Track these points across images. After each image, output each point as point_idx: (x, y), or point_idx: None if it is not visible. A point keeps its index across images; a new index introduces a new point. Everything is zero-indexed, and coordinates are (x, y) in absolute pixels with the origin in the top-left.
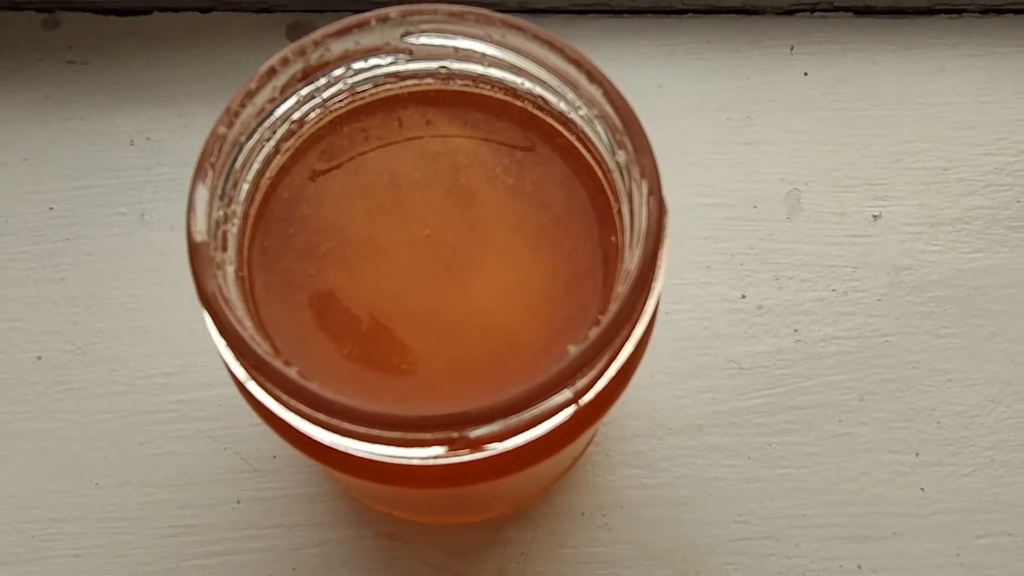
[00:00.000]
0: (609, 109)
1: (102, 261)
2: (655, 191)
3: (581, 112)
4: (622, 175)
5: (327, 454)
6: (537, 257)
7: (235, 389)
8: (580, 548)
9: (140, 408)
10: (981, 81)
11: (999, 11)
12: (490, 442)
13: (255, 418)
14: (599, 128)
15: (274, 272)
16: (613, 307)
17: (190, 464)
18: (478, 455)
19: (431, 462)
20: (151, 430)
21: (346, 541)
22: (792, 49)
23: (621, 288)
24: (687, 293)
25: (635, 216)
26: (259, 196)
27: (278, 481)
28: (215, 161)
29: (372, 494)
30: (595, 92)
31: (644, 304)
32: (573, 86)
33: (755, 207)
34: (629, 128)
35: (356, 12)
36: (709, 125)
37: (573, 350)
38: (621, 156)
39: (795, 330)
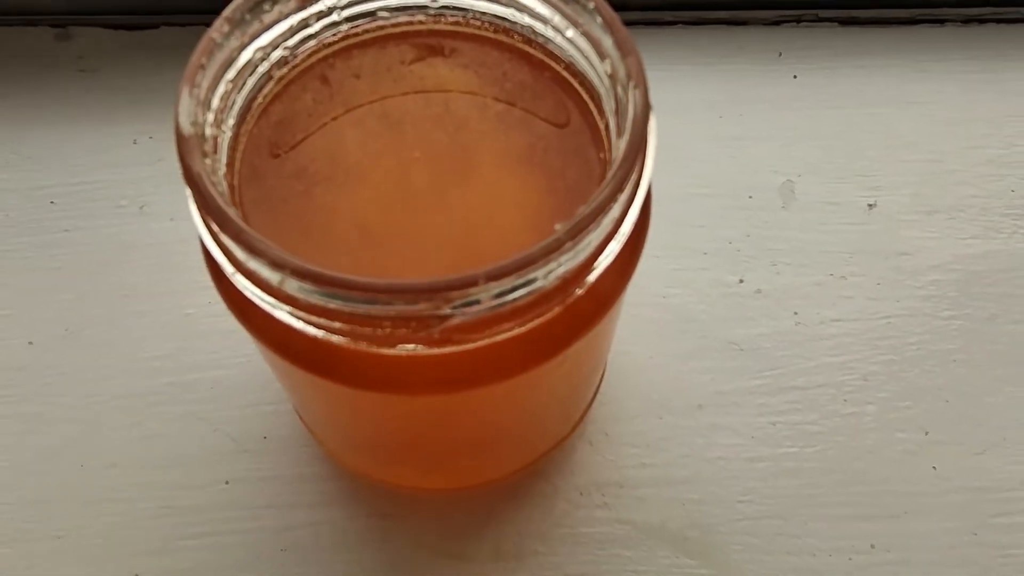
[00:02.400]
0: (596, 21)
1: (100, 250)
2: (640, 83)
3: (568, 33)
4: (609, 84)
5: (306, 346)
6: (527, 175)
7: (225, 371)
8: (578, 528)
9: (131, 391)
10: (965, 84)
11: (981, 21)
12: (471, 331)
13: (246, 399)
14: (584, 45)
15: (263, 188)
16: (601, 190)
17: (180, 445)
18: (455, 348)
19: (409, 352)
20: (141, 412)
21: (337, 521)
22: (780, 55)
23: (610, 172)
24: (684, 278)
25: (621, 112)
26: (251, 118)
27: (268, 462)
28: (205, 63)
29: (354, 439)
30: (580, 12)
31: (635, 189)
32: (559, 9)
33: (750, 197)
34: (612, 28)
35: None
36: (703, 122)
37: (559, 227)
38: (607, 64)
39: (795, 313)
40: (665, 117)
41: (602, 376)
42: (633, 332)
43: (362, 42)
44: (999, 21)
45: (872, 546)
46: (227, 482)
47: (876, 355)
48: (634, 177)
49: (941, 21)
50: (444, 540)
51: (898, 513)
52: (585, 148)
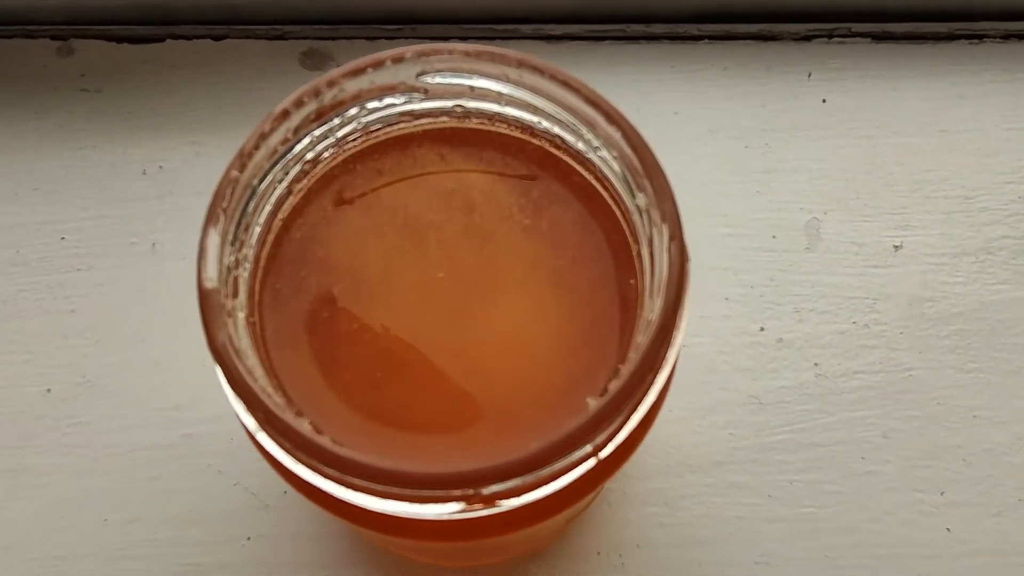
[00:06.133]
0: (628, 151)
1: (113, 292)
2: (677, 237)
3: (600, 153)
4: (642, 218)
5: (340, 507)
6: (554, 300)
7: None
8: None
9: (149, 442)
10: (1004, 108)
11: (1021, 37)
12: (506, 498)
13: None
14: (618, 169)
15: (285, 316)
16: (634, 358)
17: (199, 500)
18: (493, 510)
19: (446, 517)
20: (161, 465)
21: None
22: (810, 75)
23: (642, 338)
24: (707, 326)
25: (655, 261)
26: (271, 238)
27: (289, 518)
28: (227, 206)
29: (386, 540)
30: (614, 133)
31: (665, 355)
32: (591, 126)
33: (774, 237)
34: (649, 171)
35: (369, 39)
36: (727, 153)
37: (593, 404)
38: (641, 199)
39: (815, 364)
40: (691, 145)
41: None
42: None
43: (382, 143)
44: None
45: None
46: (248, 538)
47: (897, 410)
48: (669, 344)
49: (979, 36)
50: None
51: None
52: (614, 272)
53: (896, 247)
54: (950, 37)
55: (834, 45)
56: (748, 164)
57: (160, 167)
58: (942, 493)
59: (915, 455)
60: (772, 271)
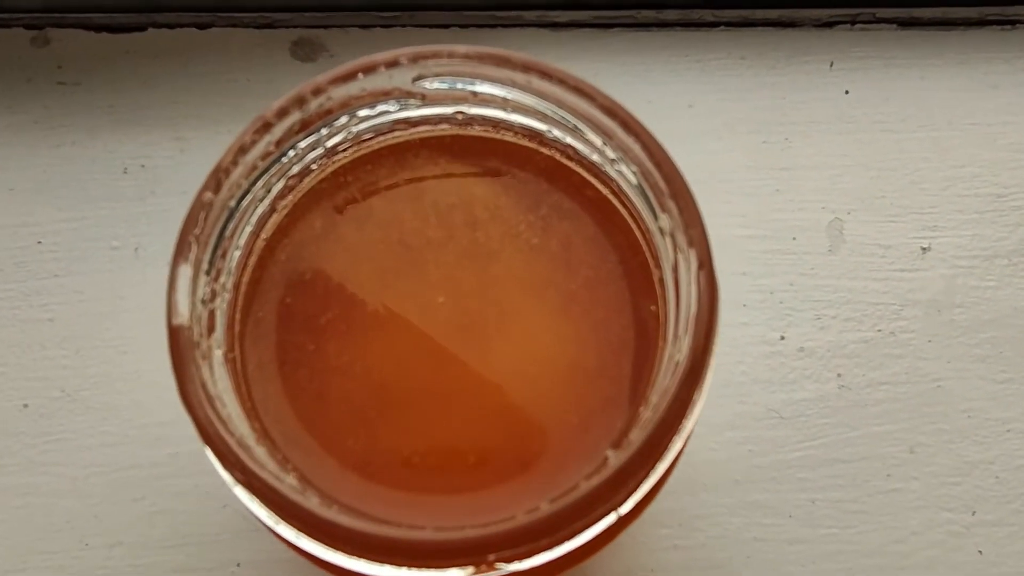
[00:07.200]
0: (650, 166)
1: (94, 299)
2: (706, 264)
3: (617, 167)
4: (665, 240)
5: (329, 568)
6: (566, 327)
7: None
8: None
9: (133, 461)
10: None
11: None
12: (515, 561)
13: None
14: (638, 183)
15: (269, 347)
16: (660, 404)
17: (186, 523)
18: (500, 573)
19: None
20: (145, 485)
21: None
22: (832, 65)
23: (668, 381)
24: (723, 335)
25: (681, 291)
26: (252, 261)
27: (280, 543)
28: (200, 233)
29: None
30: (633, 145)
31: (694, 400)
32: (607, 136)
33: (794, 239)
34: (675, 190)
35: (363, 27)
36: (744, 148)
37: (613, 458)
38: (664, 221)
39: (838, 375)
40: (706, 140)
41: None
42: None
43: (376, 153)
44: None
45: None
46: (238, 564)
47: (925, 424)
48: (698, 388)
49: (1012, 22)
50: None
51: None
52: (630, 296)
53: (924, 249)
54: (981, 23)
55: (857, 32)
56: (766, 160)
57: (142, 165)
58: (973, 512)
59: (944, 472)
60: (792, 275)
